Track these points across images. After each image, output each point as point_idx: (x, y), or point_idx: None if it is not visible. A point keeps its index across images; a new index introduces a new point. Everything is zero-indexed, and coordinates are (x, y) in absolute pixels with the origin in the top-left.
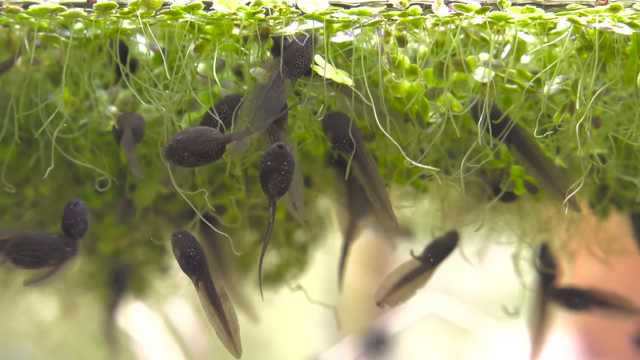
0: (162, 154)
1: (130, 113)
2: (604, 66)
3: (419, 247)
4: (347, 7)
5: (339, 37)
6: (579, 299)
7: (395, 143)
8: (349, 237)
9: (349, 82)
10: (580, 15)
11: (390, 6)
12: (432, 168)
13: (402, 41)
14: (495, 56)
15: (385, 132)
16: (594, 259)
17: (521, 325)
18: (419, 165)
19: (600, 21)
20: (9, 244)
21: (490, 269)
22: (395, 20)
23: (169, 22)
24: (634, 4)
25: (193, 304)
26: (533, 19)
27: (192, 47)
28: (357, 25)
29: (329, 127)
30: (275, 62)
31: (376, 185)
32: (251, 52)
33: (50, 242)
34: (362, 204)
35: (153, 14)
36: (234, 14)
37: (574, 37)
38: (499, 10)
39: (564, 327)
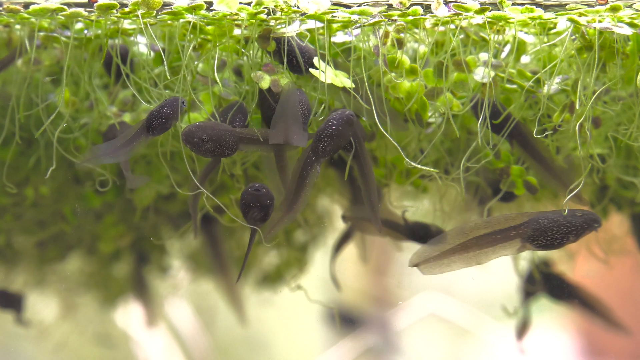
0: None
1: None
2: (603, 66)
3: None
4: (347, 6)
5: (339, 37)
6: (564, 290)
7: (395, 144)
8: (347, 236)
9: (349, 84)
10: (580, 15)
11: (390, 6)
12: (432, 169)
13: (400, 43)
14: (495, 56)
15: (385, 133)
16: (593, 258)
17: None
18: (418, 166)
19: (600, 21)
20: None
21: (490, 268)
22: (395, 20)
23: (169, 22)
24: (634, 3)
25: (193, 304)
26: (533, 18)
27: (192, 47)
28: (357, 25)
29: None
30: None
31: (369, 187)
32: (252, 52)
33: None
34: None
35: (154, 14)
36: (236, 14)
37: (573, 37)
38: (499, 10)
39: (564, 327)
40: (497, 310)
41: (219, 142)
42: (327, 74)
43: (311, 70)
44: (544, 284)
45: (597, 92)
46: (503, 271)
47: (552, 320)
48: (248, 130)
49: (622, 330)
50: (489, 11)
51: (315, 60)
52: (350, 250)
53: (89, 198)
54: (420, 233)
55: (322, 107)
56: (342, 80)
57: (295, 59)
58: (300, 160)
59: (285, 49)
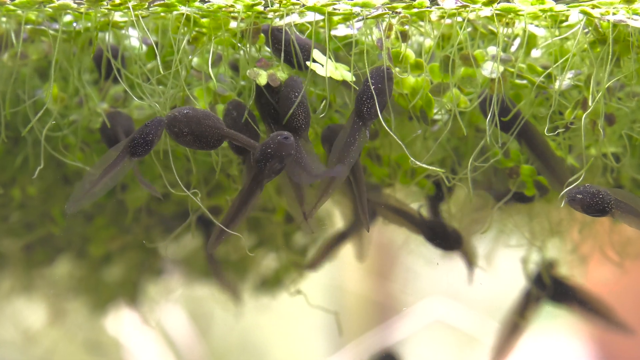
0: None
1: (117, 112)
2: (618, 60)
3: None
4: None
5: (340, 30)
6: (562, 292)
7: (399, 141)
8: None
9: (349, 77)
10: (593, 7)
11: None
12: (438, 169)
13: (404, 36)
14: (504, 50)
15: (389, 130)
16: (607, 262)
17: (531, 332)
18: (424, 165)
19: (614, 13)
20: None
21: (498, 273)
22: (399, 12)
23: (162, 14)
24: None
25: (188, 310)
26: (544, 11)
27: (186, 40)
28: (360, 18)
29: (327, 139)
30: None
31: (361, 193)
32: (248, 46)
33: None
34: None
35: (146, 6)
36: (232, 6)
37: (586, 30)
38: (508, 1)
39: (577, 335)
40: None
41: (200, 137)
42: (327, 67)
43: (308, 63)
44: (547, 287)
45: (607, 87)
46: (511, 275)
47: (564, 327)
48: (238, 135)
49: (625, 331)
50: (498, 3)
51: (315, 53)
52: (353, 254)
53: None
54: (439, 232)
55: (323, 103)
56: (342, 73)
57: (294, 52)
58: (347, 127)
59: (283, 42)
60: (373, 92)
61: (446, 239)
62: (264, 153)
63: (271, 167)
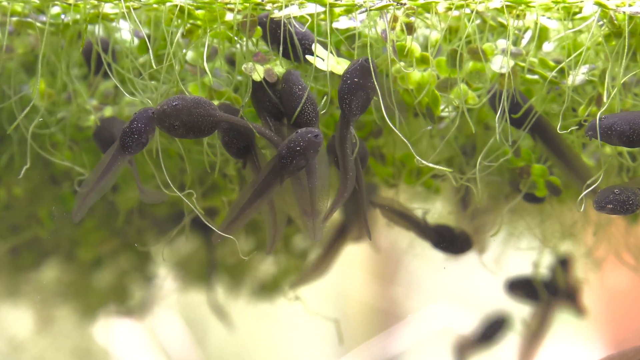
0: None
1: (113, 119)
2: (634, 54)
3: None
4: None
5: (342, 23)
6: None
7: (405, 140)
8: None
9: None
10: None
11: None
12: (445, 169)
13: (410, 28)
14: (515, 43)
15: (393, 128)
16: (623, 266)
17: (549, 339)
18: (430, 164)
19: (630, 5)
20: None
21: (508, 276)
22: (404, 4)
23: (155, 6)
24: None
25: (183, 316)
26: (556, 2)
27: (180, 33)
28: (363, 9)
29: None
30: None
31: (362, 203)
32: (245, 40)
33: None
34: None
35: None
36: None
37: (601, 22)
38: None
39: (591, 341)
40: (516, 322)
41: (193, 127)
42: (328, 61)
43: (309, 57)
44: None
45: (622, 81)
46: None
47: (578, 334)
48: (234, 119)
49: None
50: None
51: (317, 48)
52: (356, 258)
53: (67, 200)
54: (446, 236)
55: (324, 99)
56: (344, 68)
57: (289, 44)
58: (337, 132)
59: (282, 35)
60: (352, 87)
61: (454, 242)
62: (291, 150)
63: (297, 164)
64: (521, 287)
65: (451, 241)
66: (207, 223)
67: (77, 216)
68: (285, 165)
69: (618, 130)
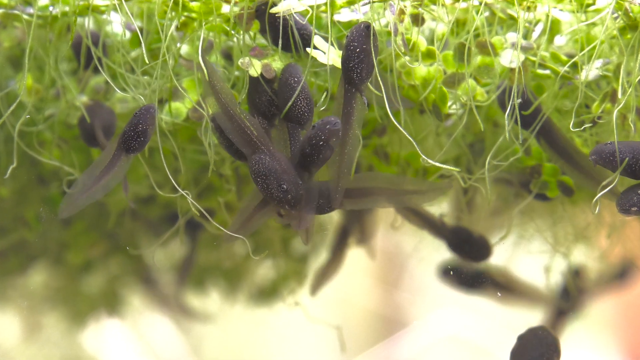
0: None
1: (98, 104)
2: None
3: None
4: None
5: (344, 15)
6: (472, 277)
7: (410, 138)
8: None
9: None
10: None
11: None
12: (452, 168)
13: (417, 20)
14: (525, 37)
15: (398, 125)
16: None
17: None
18: (437, 164)
19: None
20: None
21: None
22: None
23: None
24: None
25: (177, 323)
26: None
27: (174, 26)
28: (366, 1)
29: None
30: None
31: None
32: (242, 33)
33: None
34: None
35: None
36: None
37: (616, 14)
38: None
39: (607, 347)
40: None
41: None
42: (329, 55)
43: (309, 50)
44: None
45: (636, 77)
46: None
47: (595, 340)
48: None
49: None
50: None
51: (317, 40)
52: (359, 262)
53: (56, 201)
54: (463, 238)
55: (324, 95)
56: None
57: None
58: (339, 97)
59: (280, 27)
60: (359, 53)
61: (472, 247)
62: (314, 146)
63: (324, 158)
64: (453, 274)
65: (469, 246)
66: (219, 227)
67: (63, 213)
68: (313, 161)
69: (621, 158)
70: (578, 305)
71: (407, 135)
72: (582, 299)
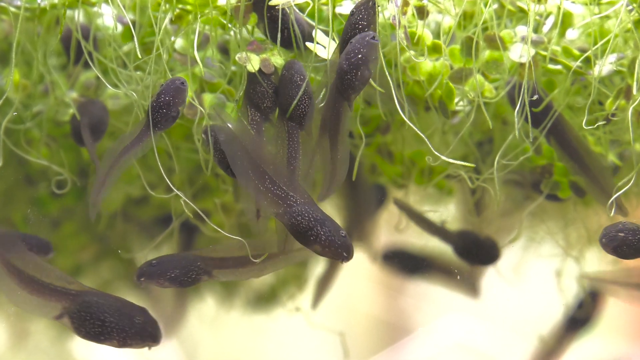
0: None
1: (90, 101)
2: None
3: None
4: None
5: (346, 7)
6: (413, 263)
7: (420, 132)
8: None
9: None
10: None
11: None
12: (463, 163)
13: (422, 12)
14: (536, 30)
15: (407, 120)
16: None
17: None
18: (448, 159)
19: None
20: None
21: (528, 287)
22: None
23: None
24: None
25: (170, 328)
26: None
27: (168, 19)
28: None
29: None
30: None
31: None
32: (239, 26)
33: None
34: (365, 207)
35: None
36: None
37: (630, 7)
38: None
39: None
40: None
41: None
42: (329, 49)
43: (309, 44)
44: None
45: None
46: (544, 290)
47: (607, 352)
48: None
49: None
50: None
51: (318, 34)
52: (361, 266)
53: (44, 202)
54: (469, 242)
55: (323, 91)
56: None
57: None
58: (328, 105)
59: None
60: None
61: (479, 250)
62: (351, 62)
63: (362, 77)
64: (395, 258)
65: (476, 249)
66: (215, 229)
67: (92, 212)
68: (350, 81)
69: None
70: (592, 315)
71: (417, 130)
72: (597, 309)
